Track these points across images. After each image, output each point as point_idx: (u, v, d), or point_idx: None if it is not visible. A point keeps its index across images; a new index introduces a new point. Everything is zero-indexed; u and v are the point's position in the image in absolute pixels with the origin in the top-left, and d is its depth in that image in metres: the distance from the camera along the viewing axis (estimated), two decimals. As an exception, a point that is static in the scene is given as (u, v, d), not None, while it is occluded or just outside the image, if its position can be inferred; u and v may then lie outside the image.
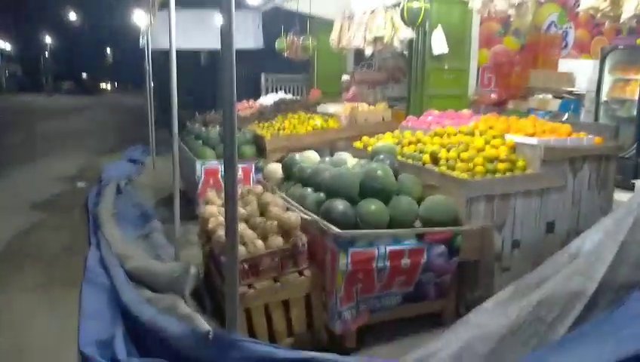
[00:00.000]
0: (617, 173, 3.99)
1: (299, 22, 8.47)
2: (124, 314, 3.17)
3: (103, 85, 48.66)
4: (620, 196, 4.01)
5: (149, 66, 8.02)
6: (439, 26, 5.96)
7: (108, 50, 48.90)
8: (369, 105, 6.65)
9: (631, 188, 4.42)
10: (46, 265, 4.28)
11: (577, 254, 2.91)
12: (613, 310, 2.13)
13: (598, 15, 3.85)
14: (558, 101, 6.02)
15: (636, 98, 5.59)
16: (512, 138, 3.55)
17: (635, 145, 5.49)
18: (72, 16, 40.30)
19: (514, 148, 3.49)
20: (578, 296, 2.40)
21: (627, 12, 3.58)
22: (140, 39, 8.63)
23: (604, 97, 5.96)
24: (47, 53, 40.25)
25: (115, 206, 5.54)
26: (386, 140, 4.39)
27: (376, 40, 5.94)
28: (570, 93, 6.14)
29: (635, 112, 5.62)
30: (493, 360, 2.46)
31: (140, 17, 7.92)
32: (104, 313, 3.28)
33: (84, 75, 47.85)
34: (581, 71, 6.31)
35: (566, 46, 7.59)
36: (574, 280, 2.46)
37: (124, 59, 40.85)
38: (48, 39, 40.22)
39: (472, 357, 2.49)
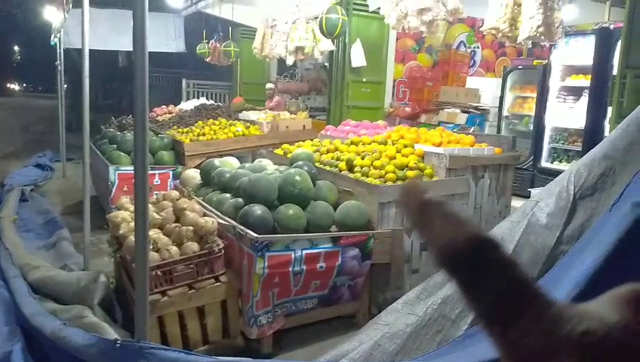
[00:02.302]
0: (515, 183, 4.36)
1: (222, 28, 8.43)
2: (25, 329, 2.97)
3: (9, 85, 44.95)
4: (518, 204, 4.38)
5: (60, 66, 7.59)
6: (358, 39, 6.19)
7: (16, 47, 45.25)
8: (291, 114, 6.74)
9: (527, 196, 4.84)
10: None
11: (478, 255, 3.15)
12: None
13: (499, 35, 4.21)
14: (466, 115, 6.47)
15: (532, 114, 6.14)
16: (421, 147, 3.78)
17: (531, 157, 6.01)
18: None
19: (422, 156, 3.71)
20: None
21: (523, 33, 3.95)
22: (52, 37, 8.14)
23: (505, 112, 6.49)
24: (-58, 48, 36.43)
25: (18, 213, 5.16)
26: (305, 148, 4.48)
27: (298, 50, 6.05)
28: (477, 108, 6.62)
29: (531, 127, 6.17)
30: (401, 356, 2.59)
31: (51, 13, 7.48)
32: (0, 328, 3.05)
33: (-14, 73, 43.95)
34: (486, 88, 6.83)
35: (474, 64, 8.19)
36: (473, 279, 2.66)
37: (35, 58, 37.98)
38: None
39: (382, 354, 2.60)
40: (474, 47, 8.18)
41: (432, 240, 0.31)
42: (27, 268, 3.67)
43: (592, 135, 5.37)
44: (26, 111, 21.12)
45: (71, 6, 4.50)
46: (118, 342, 2.16)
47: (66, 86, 8.05)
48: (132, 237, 2.90)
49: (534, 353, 0.27)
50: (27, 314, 2.99)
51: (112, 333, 2.43)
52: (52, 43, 8.39)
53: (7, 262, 3.83)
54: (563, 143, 6.03)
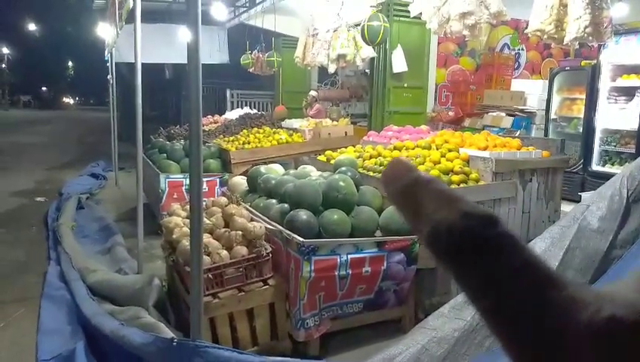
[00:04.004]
0: (565, 186, 4.25)
1: (264, 38, 8.61)
2: (86, 328, 3.14)
3: (64, 99, 47.38)
4: (568, 208, 4.26)
5: (112, 80, 7.96)
6: (399, 45, 6.20)
7: (70, 62, 47.66)
8: (332, 121, 6.81)
9: (577, 200, 4.70)
10: (1, 282, 4.16)
11: (526, 260, 3.10)
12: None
13: (544, 37, 4.13)
14: (511, 119, 6.34)
15: (581, 116, 5.96)
16: (466, 151, 3.75)
17: (581, 160, 5.83)
18: (32, 26, 39.05)
19: (468, 161, 3.68)
20: (525, 297, 2.56)
21: (569, 35, 3.87)
22: (105, 52, 8.56)
23: (553, 115, 6.32)
24: (3, 64, 38.81)
25: (75, 220, 5.45)
26: (348, 154, 4.53)
27: (340, 57, 6.12)
28: (522, 111, 6.48)
29: (581, 129, 5.99)
30: (449, 360, 2.58)
31: (104, 30, 7.89)
32: (64, 328, 3.24)
33: (44, 88, 46.52)
34: (532, 90, 6.68)
35: (518, 67, 8.01)
36: (522, 283, 2.63)
37: (87, 72, 39.98)
38: (5, 50, 38.75)
39: (430, 358, 2.60)
40: (518, 49, 8.01)
41: (421, 221, 0.27)
42: (85, 272, 3.87)
43: (646, 136, 5.16)
44: (79, 124, 22.24)
45: (124, 22, 4.74)
46: (175, 340, 2.26)
47: (116, 99, 8.43)
48: (185, 242, 3.04)
49: (547, 345, 0.23)
50: (88, 314, 3.16)
51: (168, 333, 2.54)
52: (105, 58, 8.83)
53: (68, 265, 4.06)
54: (615, 145, 5.82)
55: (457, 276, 0.26)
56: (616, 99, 5.81)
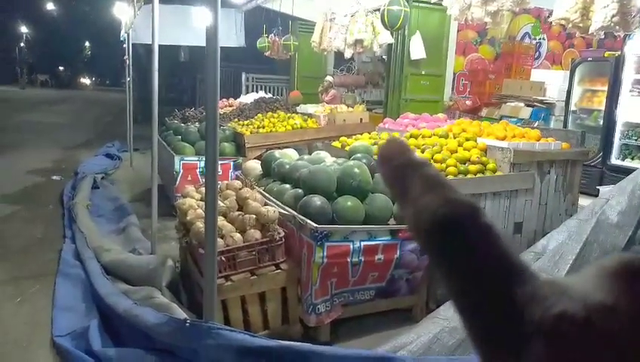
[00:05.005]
0: (582, 180, 4.17)
1: (281, 22, 8.54)
2: (100, 306, 3.19)
3: (80, 79, 47.70)
4: (585, 202, 4.19)
5: (129, 60, 7.97)
6: (417, 31, 6.11)
7: (87, 43, 47.85)
8: (348, 107, 6.76)
9: (595, 194, 4.62)
10: (17, 258, 4.23)
11: (542, 253, 3.06)
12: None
13: (569, 25, 4.03)
14: (530, 109, 6.24)
15: (602, 108, 5.83)
16: (484, 141, 3.69)
17: (600, 153, 5.72)
18: (50, 5, 39.18)
19: (485, 150, 3.63)
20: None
21: (595, 24, 3.76)
22: (122, 33, 8.55)
23: (573, 107, 6.20)
24: (22, 43, 39.06)
25: (90, 200, 5.50)
26: (363, 141, 4.49)
27: (357, 43, 6.04)
28: (542, 102, 6.36)
29: (601, 122, 5.87)
30: (461, 351, 2.57)
31: (121, 10, 7.86)
32: (78, 305, 3.29)
33: (61, 68, 46.84)
34: (552, 81, 6.55)
35: (539, 56, 7.86)
36: (538, 277, 2.60)
37: (103, 53, 40.15)
38: (24, 29, 38.99)
39: (442, 348, 2.59)
40: (539, 39, 7.85)
41: (407, 204, 0.27)
42: (100, 251, 3.92)
43: (669, 131, 5.04)
44: (95, 104, 22.36)
45: (143, 3, 4.72)
46: (188, 321, 2.28)
47: (132, 80, 8.42)
48: (199, 224, 3.04)
49: (504, 338, 0.23)
50: (102, 293, 3.20)
51: (181, 313, 2.56)
52: (121, 38, 8.82)
53: (83, 244, 4.11)
54: (636, 139, 5.70)
55: (433, 259, 0.26)
56: (639, 92, 5.67)
